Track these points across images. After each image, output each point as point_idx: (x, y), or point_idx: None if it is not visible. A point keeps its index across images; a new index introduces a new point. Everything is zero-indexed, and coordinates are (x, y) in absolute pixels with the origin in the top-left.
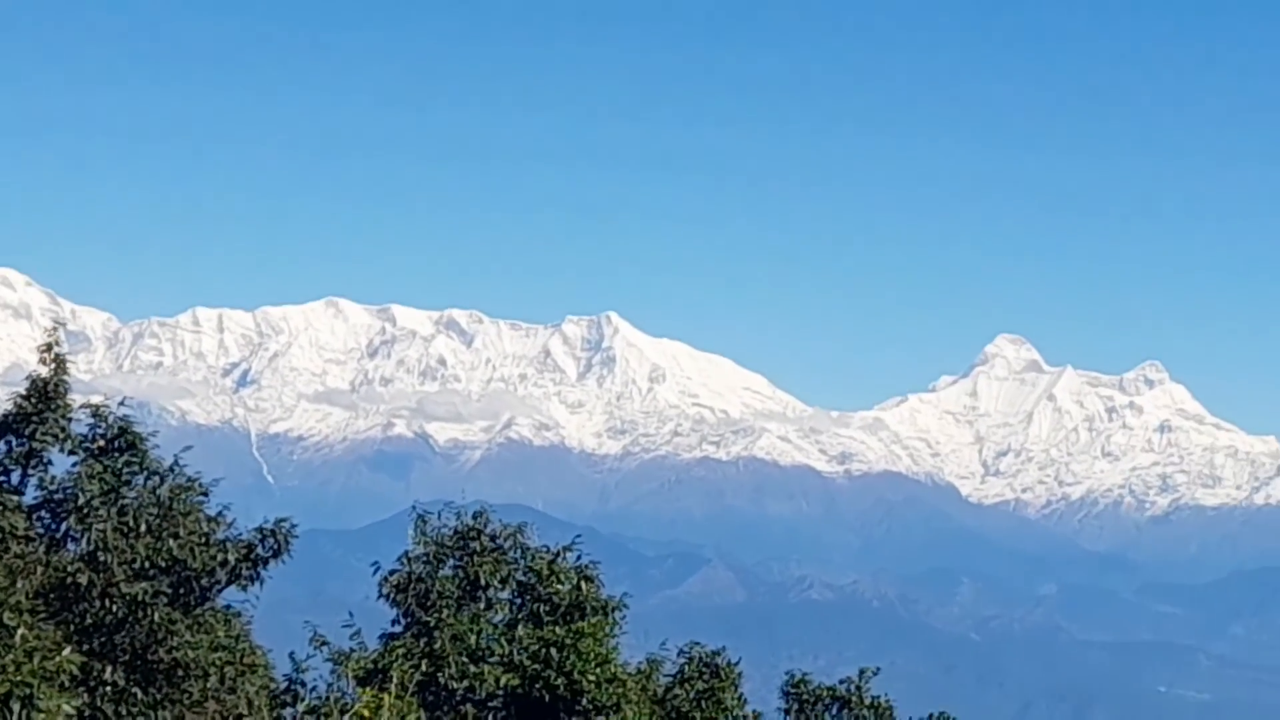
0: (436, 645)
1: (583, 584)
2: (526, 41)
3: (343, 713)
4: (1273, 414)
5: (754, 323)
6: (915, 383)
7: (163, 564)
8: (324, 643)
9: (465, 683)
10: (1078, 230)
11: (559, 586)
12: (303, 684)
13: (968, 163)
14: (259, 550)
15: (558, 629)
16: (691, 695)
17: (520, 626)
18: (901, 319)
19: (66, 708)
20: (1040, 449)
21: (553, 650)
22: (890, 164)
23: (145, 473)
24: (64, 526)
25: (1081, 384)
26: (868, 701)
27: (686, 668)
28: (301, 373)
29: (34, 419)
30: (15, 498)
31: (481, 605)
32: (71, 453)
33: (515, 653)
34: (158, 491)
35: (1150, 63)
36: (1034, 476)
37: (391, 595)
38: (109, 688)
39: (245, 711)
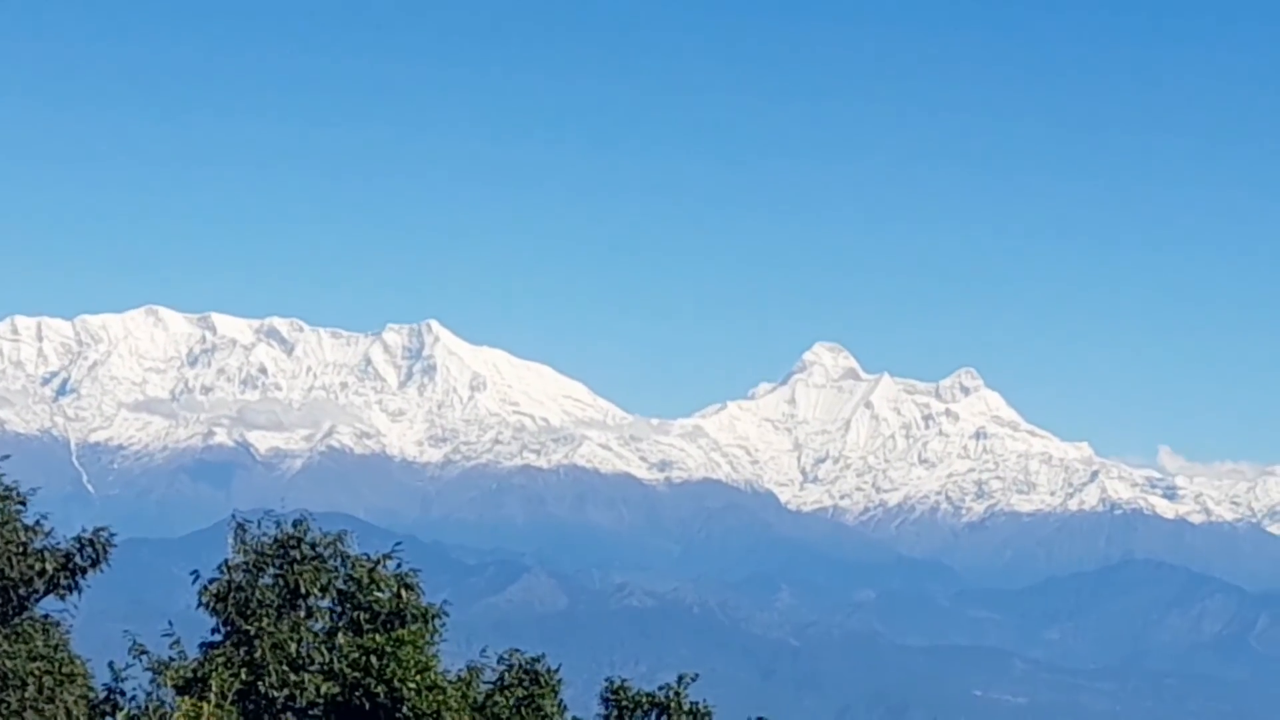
0: (256, 654)
1: (403, 592)
2: (344, 52)
3: None
4: (1086, 421)
5: (574, 331)
6: (734, 390)
7: None
8: (143, 651)
9: (285, 691)
10: (893, 238)
11: (379, 594)
12: (122, 693)
13: (782, 172)
14: (77, 559)
15: (378, 637)
16: (511, 702)
17: (341, 634)
18: (720, 326)
19: None
20: (858, 456)
21: (373, 658)
22: (705, 174)
23: None
24: None
25: (898, 391)
26: (686, 707)
27: (507, 675)
28: (121, 381)
29: None
30: None
31: (302, 613)
32: None
33: (336, 661)
34: None
35: (956, 70)
36: (852, 483)
37: (211, 604)
38: None
39: None
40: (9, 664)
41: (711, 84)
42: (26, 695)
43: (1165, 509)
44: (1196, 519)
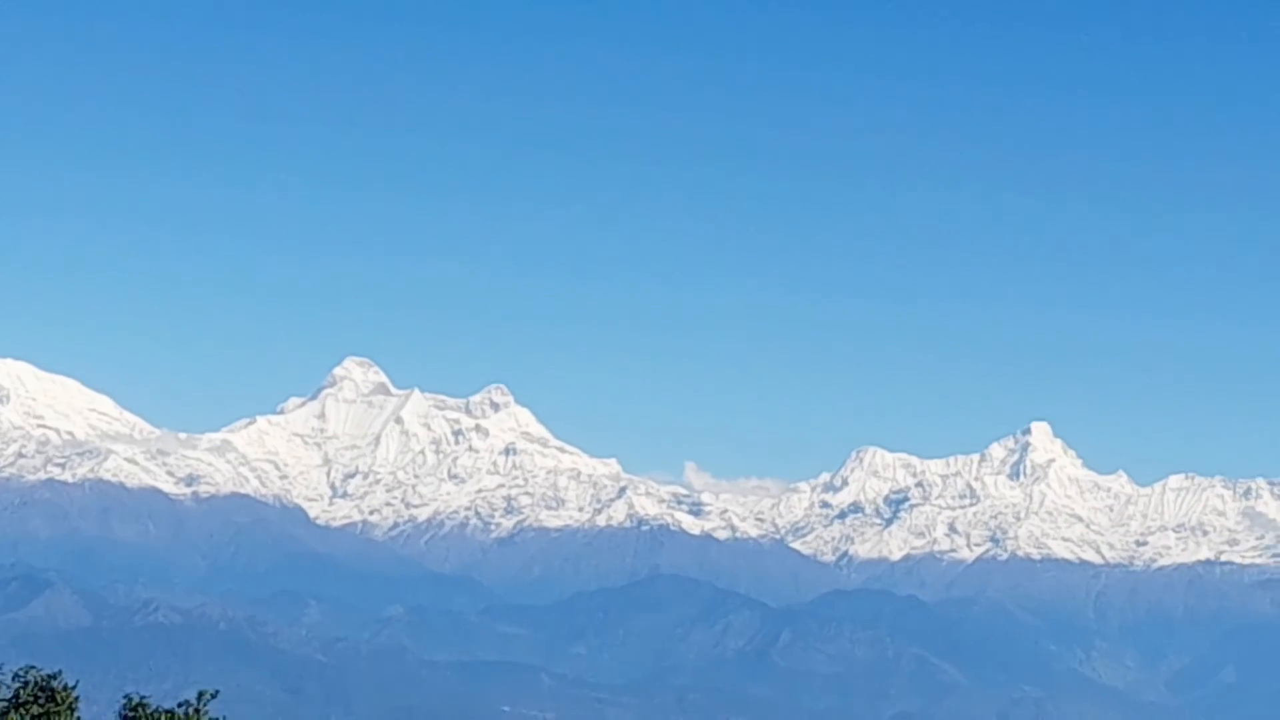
0: None
1: None
2: None
3: None
4: (614, 438)
5: (101, 343)
6: (264, 405)
7: None
8: None
9: None
10: (413, 260)
11: None
12: None
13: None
14: None
15: None
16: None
17: None
18: (250, 341)
19: None
20: (388, 471)
21: None
22: (217, 197)
23: None
24: None
25: (429, 407)
26: None
27: (21, 692)
28: None
29: None
30: None
31: None
32: None
33: None
34: None
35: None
36: (382, 499)
37: None
38: None
39: None
40: None
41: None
42: None
43: (691, 525)
44: (722, 535)
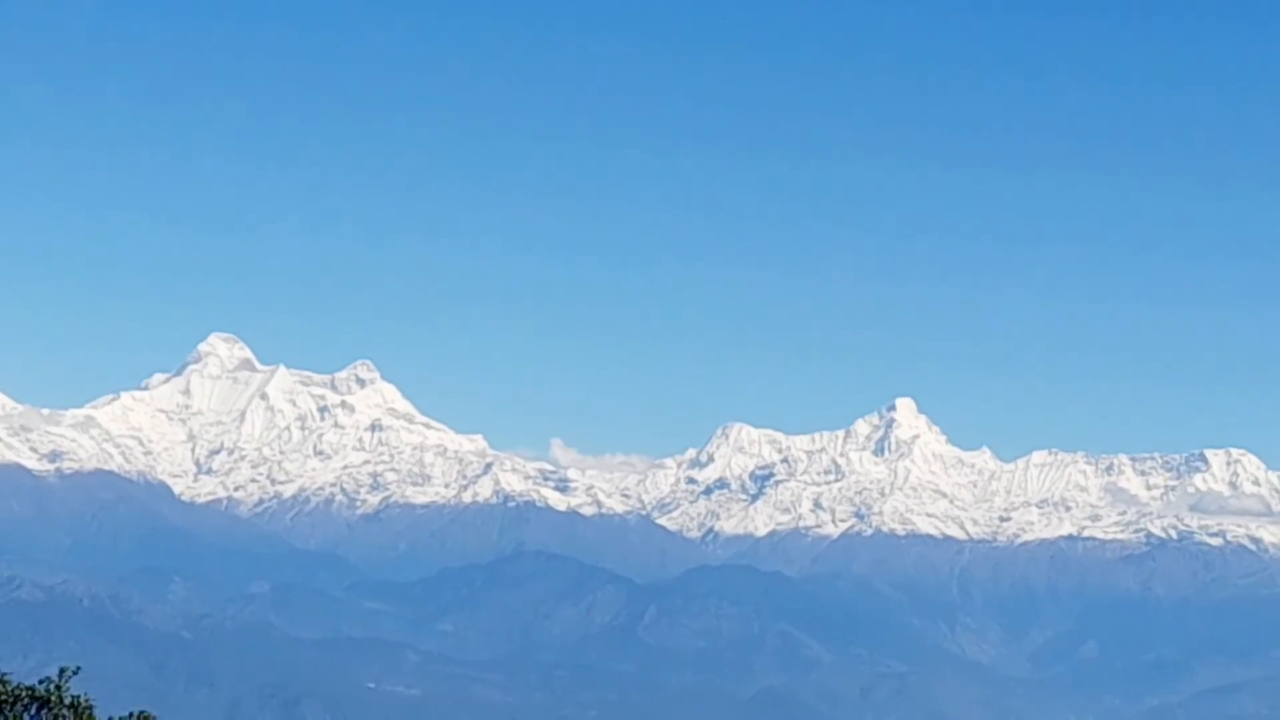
0: None
1: None
2: None
3: None
4: (481, 413)
5: None
6: (128, 380)
7: None
8: None
9: None
10: (284, 230)
11: None
12: None
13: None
14: None
15: None
16: None
17: None
18: (114, 316)
19: None
20: (253, 447)
21: None
22: (85, 165)
23: None
24: None
25: (294, 383)
26: (68, 701)
27: None
28: None
29: None
30: None
31: None
32: None
33: None
34: None
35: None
36: (247, 475)
37: None
38: None
39: None
40: None
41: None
42: None
43: (558, 501)
44: (588, 511)
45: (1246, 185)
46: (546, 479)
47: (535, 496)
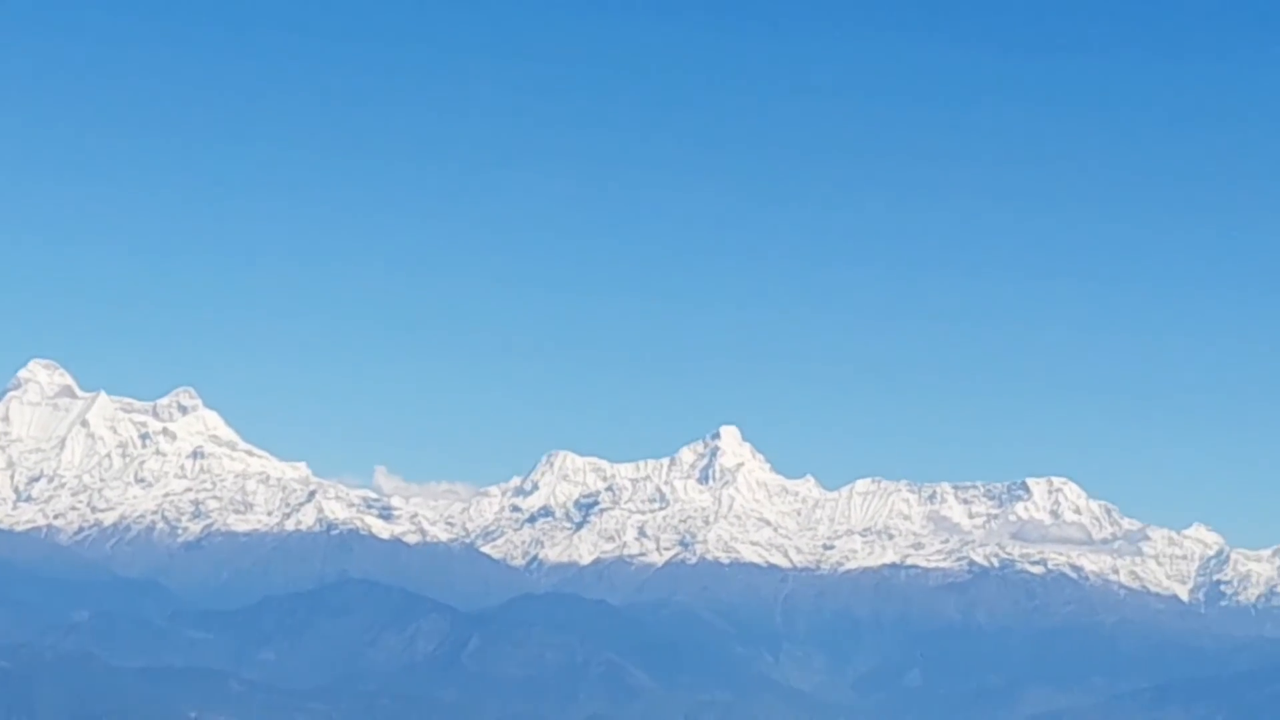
0: None
1: None
2: None
3: None
4: (304, 441)
5: None
6: None
7: None
8: None
9: None
10: (136, 260)
11: None
12: None
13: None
14: None
15: None
16: None
17: None
18: None
19: None
20: (73, 475)
21: None
22: None
23: None
24: None
25: (116, 410)
26: None
27: None
28: None
29: None
30: None
31: None
32: None
33: None
34: None
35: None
36: (67, 503)
37: None
38: None
39: None
40: None
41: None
42: None
43: (381, 529)
44: (412, 539)
45: (1060, 202)
46: (370, 506)
47: (359, 524)
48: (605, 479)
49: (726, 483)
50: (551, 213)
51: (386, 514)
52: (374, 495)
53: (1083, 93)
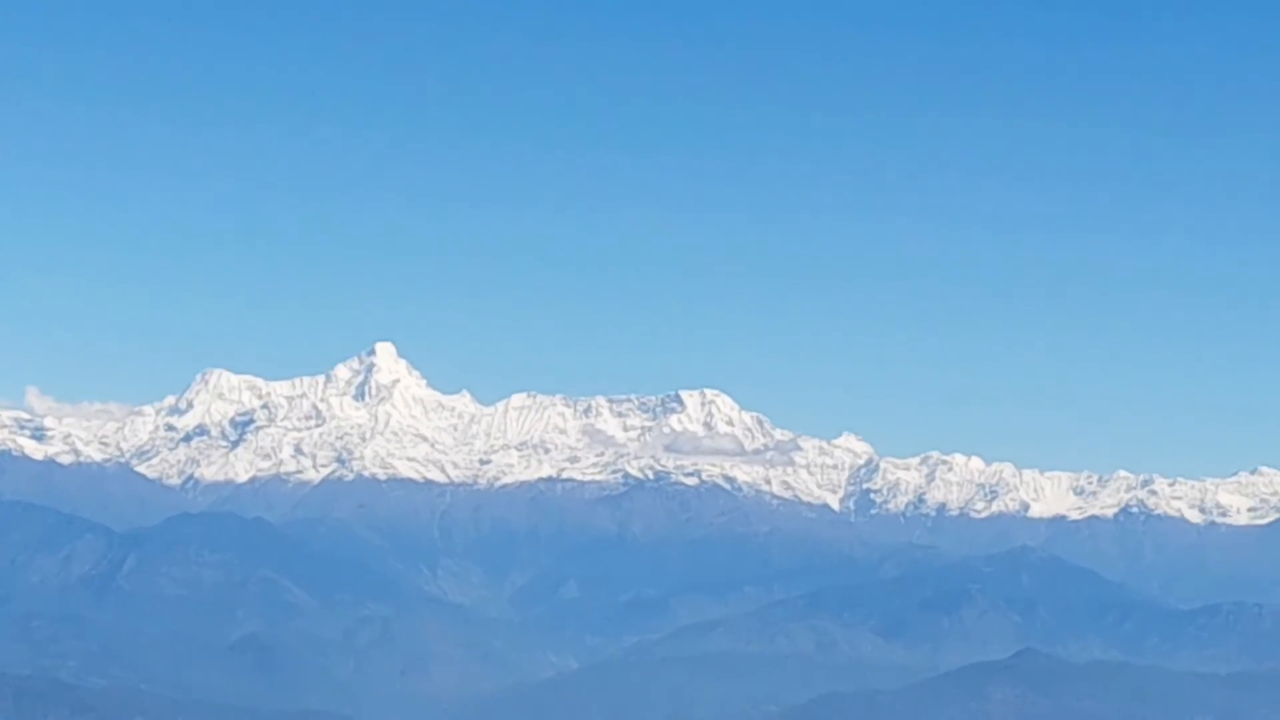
0: None
1: None
2: None
3: None
4: None
5: None
6: None
7: None
8: None
9: None
10: None
11: None
12: None
13: None
14: None
15: None
16: None
17: None
18: None
19: None
20: None
21: None
22: None
23: None
24: None
25: None
26: None
27: None
28: None
29: None
30: None
31: None
32: None
33: None
34: None
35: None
36: None
37: None
38: None
39: None
40: None
41: None
42: None
43: (34, 450)
44: (66, 460)
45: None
46: (22, 427)
47: (10, 445)
48: (261, 397)
49: (383, 399)
50: (212, 123)
51: (39, 434)
52: (26, 416)
53: None
